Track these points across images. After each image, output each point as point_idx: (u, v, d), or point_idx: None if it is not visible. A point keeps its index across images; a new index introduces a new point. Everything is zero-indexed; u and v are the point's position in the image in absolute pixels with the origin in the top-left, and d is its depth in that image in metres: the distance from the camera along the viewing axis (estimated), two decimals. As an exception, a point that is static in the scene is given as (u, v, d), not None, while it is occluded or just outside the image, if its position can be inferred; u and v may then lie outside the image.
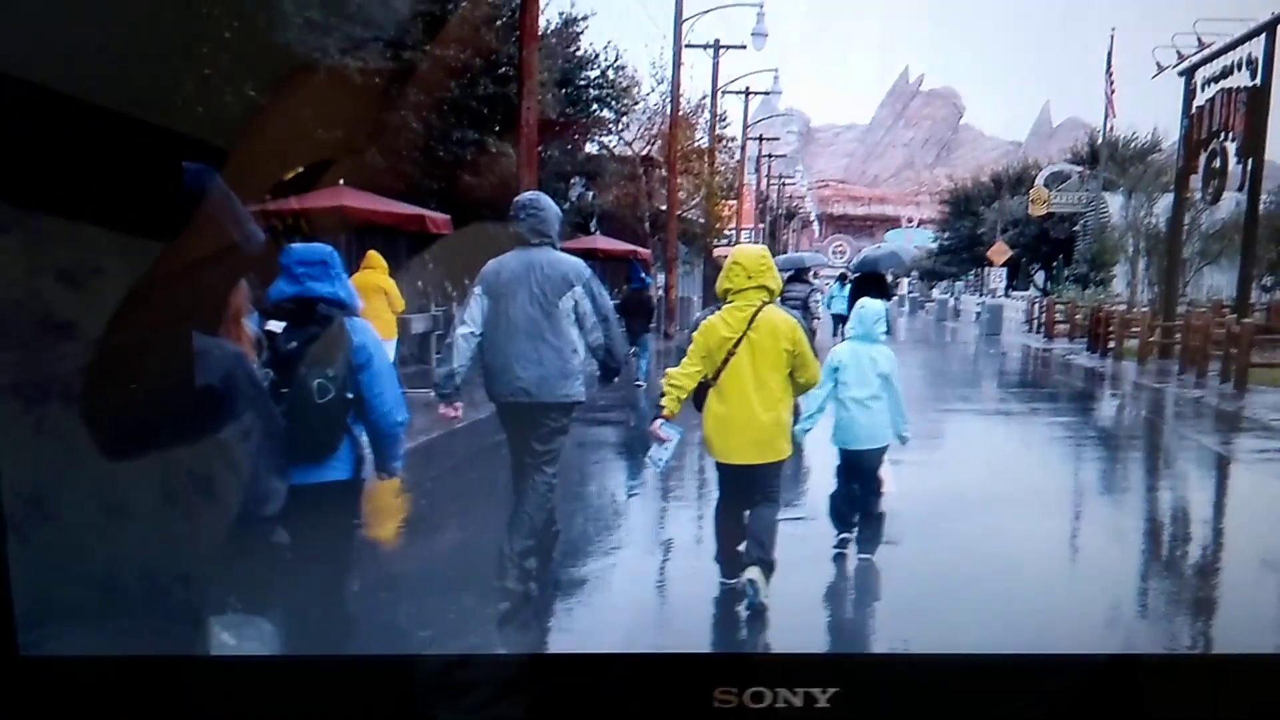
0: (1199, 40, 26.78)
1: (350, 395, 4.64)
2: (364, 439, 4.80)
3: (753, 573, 6.12)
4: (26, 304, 1.54)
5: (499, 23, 21.10)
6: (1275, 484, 11.68)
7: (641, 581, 7.45)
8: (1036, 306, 40.82)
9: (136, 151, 1.53)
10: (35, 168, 1.42)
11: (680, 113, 33.03)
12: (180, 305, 1.73)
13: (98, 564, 1.67)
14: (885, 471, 7.68)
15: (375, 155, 16.85)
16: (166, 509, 1.76)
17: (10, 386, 1.56)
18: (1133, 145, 53.18)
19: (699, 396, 6.31)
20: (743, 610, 6.17)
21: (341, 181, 14.51)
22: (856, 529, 7.56)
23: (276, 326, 4.56)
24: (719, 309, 6.36)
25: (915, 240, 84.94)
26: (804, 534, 7.93)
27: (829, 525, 7.63)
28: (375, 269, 12.52)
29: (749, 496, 6.38)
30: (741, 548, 6.40)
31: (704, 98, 38.71)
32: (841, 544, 7.57)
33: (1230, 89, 24.87)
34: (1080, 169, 52.23)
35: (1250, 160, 24.04)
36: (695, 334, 6.37)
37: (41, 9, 1.44)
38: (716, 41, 37.40)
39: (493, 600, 6.10)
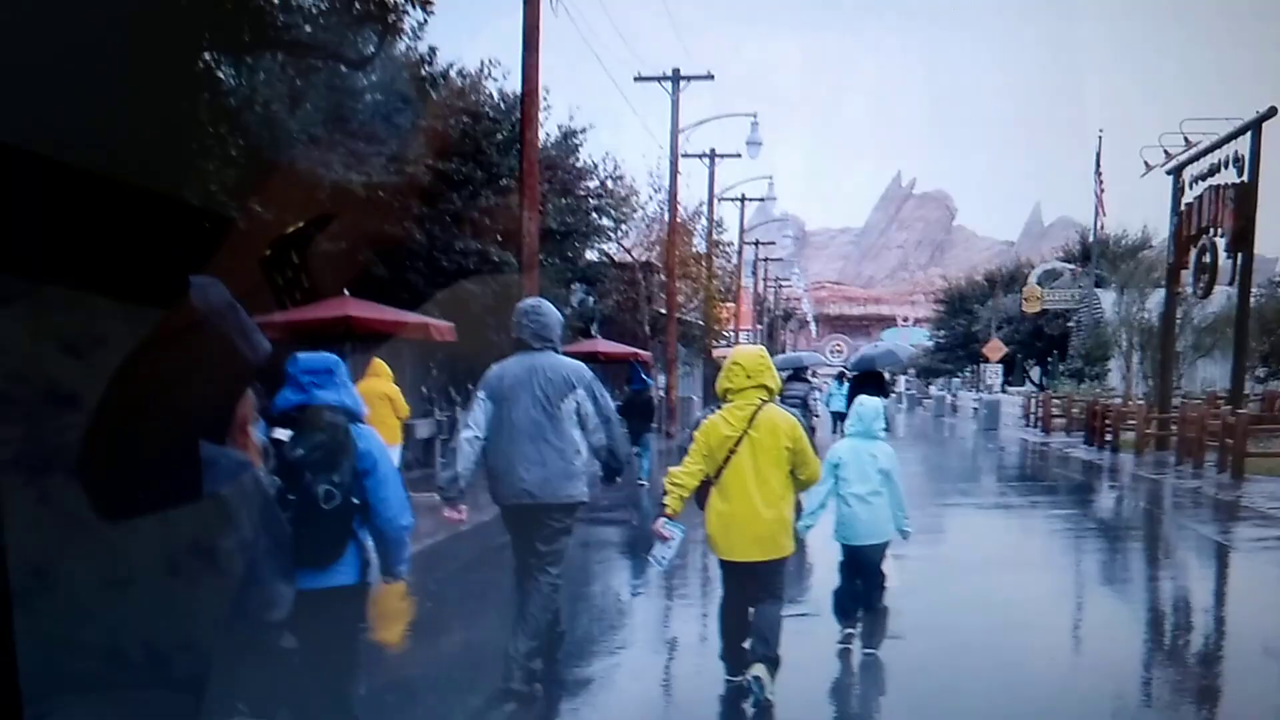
0: (1186, 139, 27.34)
1: (356, 500, 4.68)
2: (370, 543, 4.84)
3: (758, 669, 6.12)
4: (30, 375, 1.57)
5: (499, 136, 21.56)
6: (1275, 571, 11.66)
7: (646, 680, 7.44)
8: (1033, 401, 40.92)
9: (141, 220, 1.58)
10: (38, 238, 1.44)
11: (678, 219, 33.52)
12: (187, 414, 1.75)
13: (102, 635, 1.69)
14: (888, 566, 7.72)
15: (379, 265, 17.09)
16: (170, 579, 1.78)
17: (14, 458, 1.58)
18: (1123, 243, 54.09)
19: (701, 495, 6.36)
20: (749, 708, 6.14)
21: (346, 291, 14.70)
22: (860, 624, 7.58)
23: (283, 434, 4.63)
24: (720, 408, 6.46)
25: (911, 338, 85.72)
26: (808, 630, 7.92)
27: (833, 621, 7.64)
28: (380, 376, 12.66)
29: (753, 593, 6.40)
30: (746, 645, 6.40)
31: (701, 205, 39.42)
32: (846, 639, 7.57)
33: (1218, 186, 25.26)
34: (1072, 267, 52.95)
35: (1239, 254, 24.30)
36: (697, 433, 6.43)
37: (47, 86, 1.49)
38: (712, 151, 38.22)
39: (498, 702, 6.10)
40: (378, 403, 11.51)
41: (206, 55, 11.41)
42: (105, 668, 1.67)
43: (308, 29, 13.32)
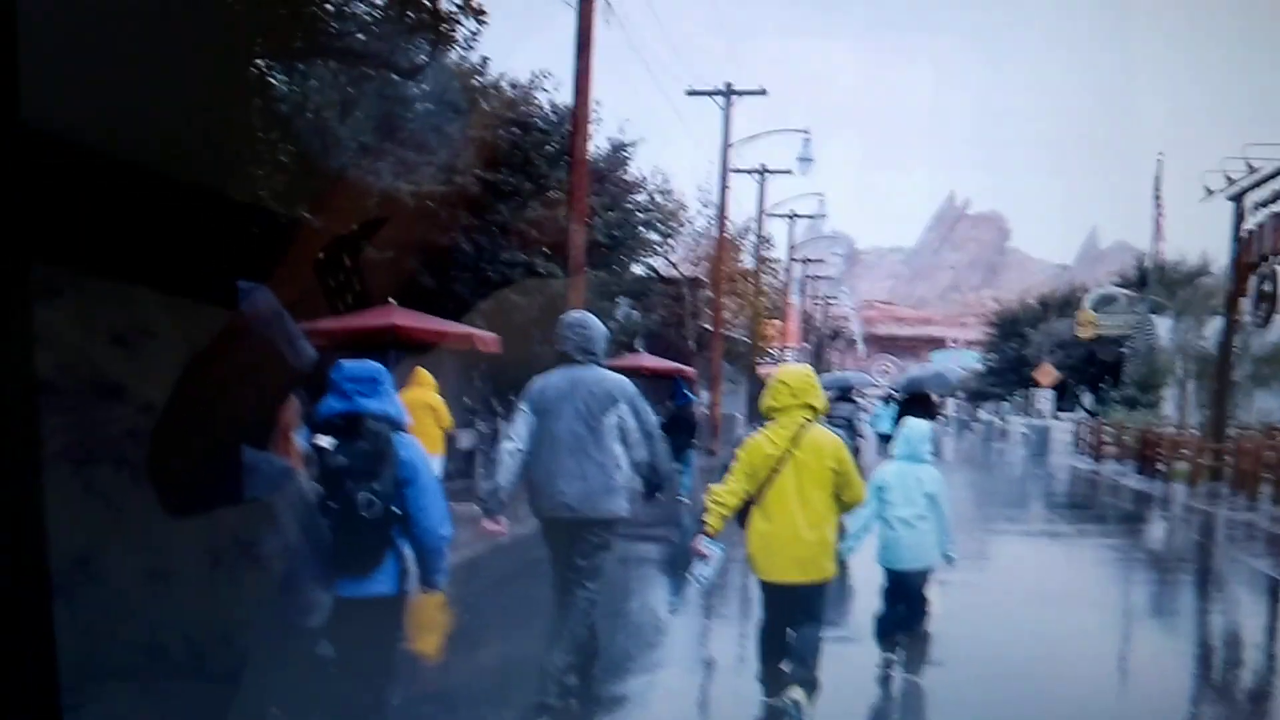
0: (1248, 165, 26.81)
1: (396, 510, 4.68)
2: (409, 553, 4.84)
3: (796, 692, 6.05)
4: (77, 366, 1.58)
5: (549, 148, 21.63)
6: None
7: (682, 700, 7.39)
8: (1084, 428, 40.42)
9: (189, 214, 1.57)
10: (87, 230, 1.44)
11: (726, 235, 33.48)
12: (232, 419, 1.74)
13: (142, 627, 1.68)
14: (931, 592, 7.61)
15: (426, 275, 17.18)
16: (211, 573, 1.78)
17: (60, 449, 1.58)
18: (1181, 269, 53.26)
19: (743, 514, 6.30)
20: (785, 730, 6.08)
21: (392, 300, 14.77)
22: (901, 650, 7.47)
23: (326, 441, 4.63)
24: (763, 427, 6.40)
25: (961, 361, 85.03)
26: (848, 654, 7.84)
27: (873, 645, 7.54)
28: (423, 386, 12.70)
29: (793, 615, 6.33)
30: (785, 666, 6.33)
31: (750, 221, 39.33)
32: (886, 664, 7.48)
33: (1280, 213, 24.83)
34: (1128, 292, 52.20)
35: (1301, 283, 23.84)
36: (739, 451, 6.40)
37: (98, 80, 1.48)
38: (762, 166, 38.00)
39: (533, 716, 6.06)
40: (421, 412, 11.54)
41: (259, 61, 11.51)
42: (144, 660, 1.66)
43: (360, 37, 13.43)
